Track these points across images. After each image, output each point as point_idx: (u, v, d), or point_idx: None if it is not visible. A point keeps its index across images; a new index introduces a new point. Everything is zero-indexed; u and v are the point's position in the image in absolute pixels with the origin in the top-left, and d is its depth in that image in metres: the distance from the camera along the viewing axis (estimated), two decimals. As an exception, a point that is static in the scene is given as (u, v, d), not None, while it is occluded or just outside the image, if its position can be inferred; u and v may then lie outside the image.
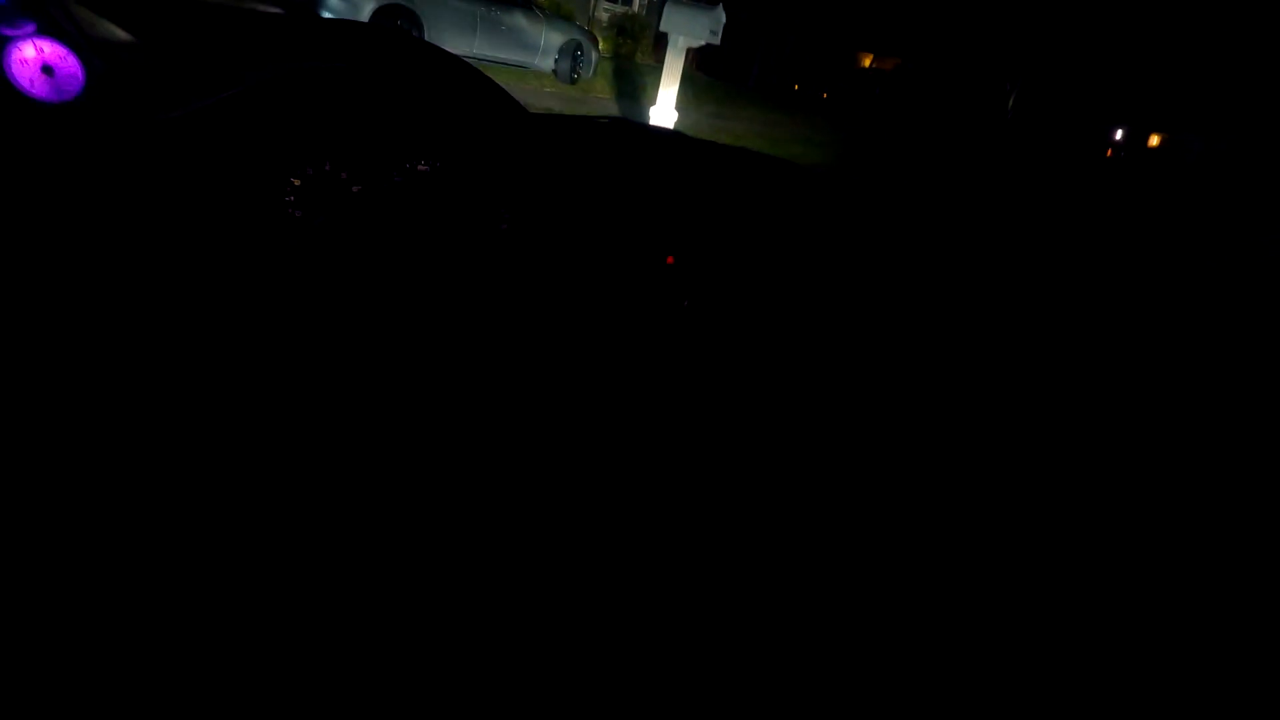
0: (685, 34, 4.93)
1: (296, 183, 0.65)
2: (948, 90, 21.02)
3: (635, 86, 9.24)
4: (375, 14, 6.24)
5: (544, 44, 7.97)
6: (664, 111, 5.15)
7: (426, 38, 6.72)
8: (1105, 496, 0.72)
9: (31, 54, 0.63)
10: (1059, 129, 20.38)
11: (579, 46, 8.32)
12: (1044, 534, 0.67)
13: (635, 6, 17.11)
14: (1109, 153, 20.48)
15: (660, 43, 5.31)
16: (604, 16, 15.34)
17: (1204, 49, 18.61)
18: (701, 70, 15.09)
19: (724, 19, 4.93)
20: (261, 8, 6.18)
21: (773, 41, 17.91)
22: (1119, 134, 21.41)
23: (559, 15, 9.49)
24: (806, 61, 19.99)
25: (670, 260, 0.72)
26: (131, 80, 0.63)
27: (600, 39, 11.09)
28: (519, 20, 7.65)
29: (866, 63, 22.22)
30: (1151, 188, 11.15)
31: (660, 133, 1.14)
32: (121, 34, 0.65)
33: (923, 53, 20.57)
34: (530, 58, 7.94)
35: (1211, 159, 16.88)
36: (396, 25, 6.45)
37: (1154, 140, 21.13)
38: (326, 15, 5.98)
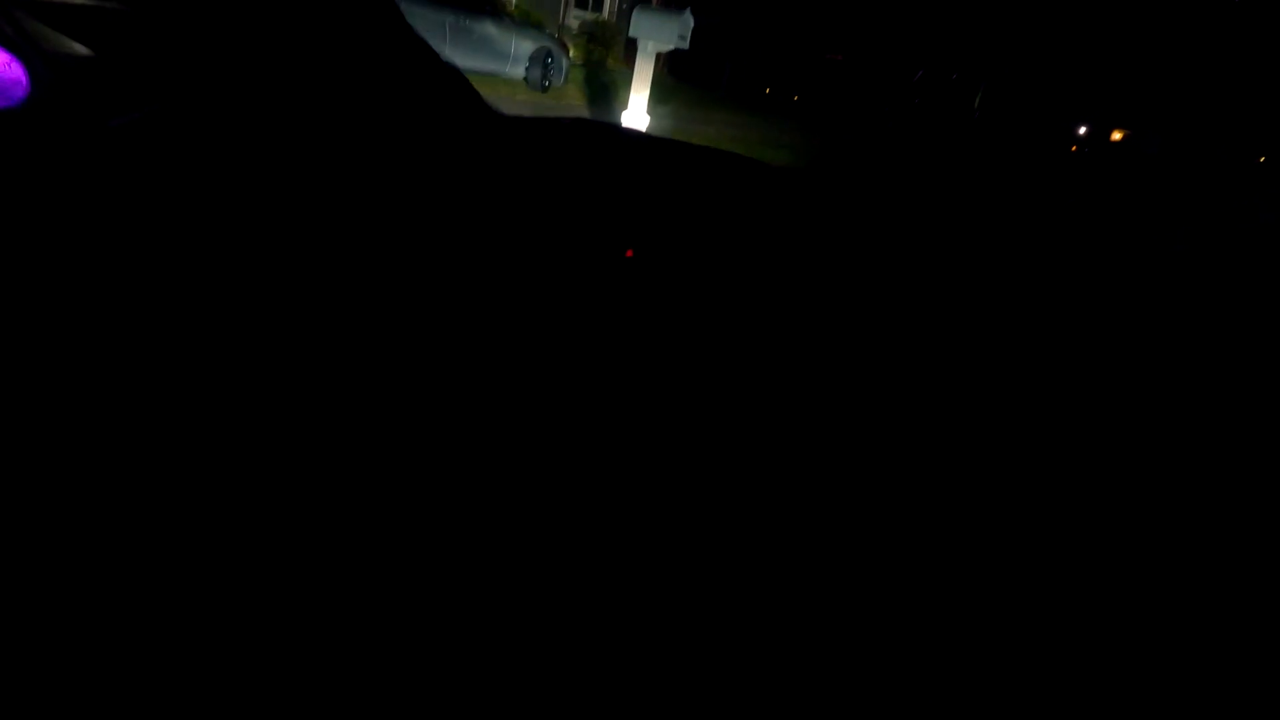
0: (654, 39, 4.96)
1: (264, 186, 0.64)
2: (915, 89, 21.34)
3: (607, 92, 9.26)
4: (343, 24, 6.20)
5: (514, 52, 7.97)
6: (636, 116, 5.17)
7: (395, 47, 6.67)
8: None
9: None
10: (1025, 126, 20.79)
11: (550, 54, 8.33)
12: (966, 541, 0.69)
13: (606, 14, 17.18)
14: (1074, 148, 20.93)
15: (631, 49, 5.33)
16: (574, 24, 15.39)
17: (1164, 50, 19.12)
18: (673, 75, 15.19)
19: (692, 23, 4.97)
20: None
21: (744, 46, 18.07)
22: (1082, 130, 21.91)
23: (529, 23, 9.49)
24: (777, 65, 20.18)
25: (630, 254, 0.73)
26: (84, 88, 0.63)
27: (571, 46, 11.12)
28: (489, 29, 7.65)
29: (837, 63, 22.46)
30: (1110, 183, 11.39)
31: (624, 131, 1.15)
32: (78, 48, 0.64)
33: (891, 54, 20.88)
34: (501, 66, 7.94)
35: (1168, 154, 17.34)
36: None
37: (1116, 135, 21.65)
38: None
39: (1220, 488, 0.79)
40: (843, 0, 18.31)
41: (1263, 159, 19.81)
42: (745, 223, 0.85)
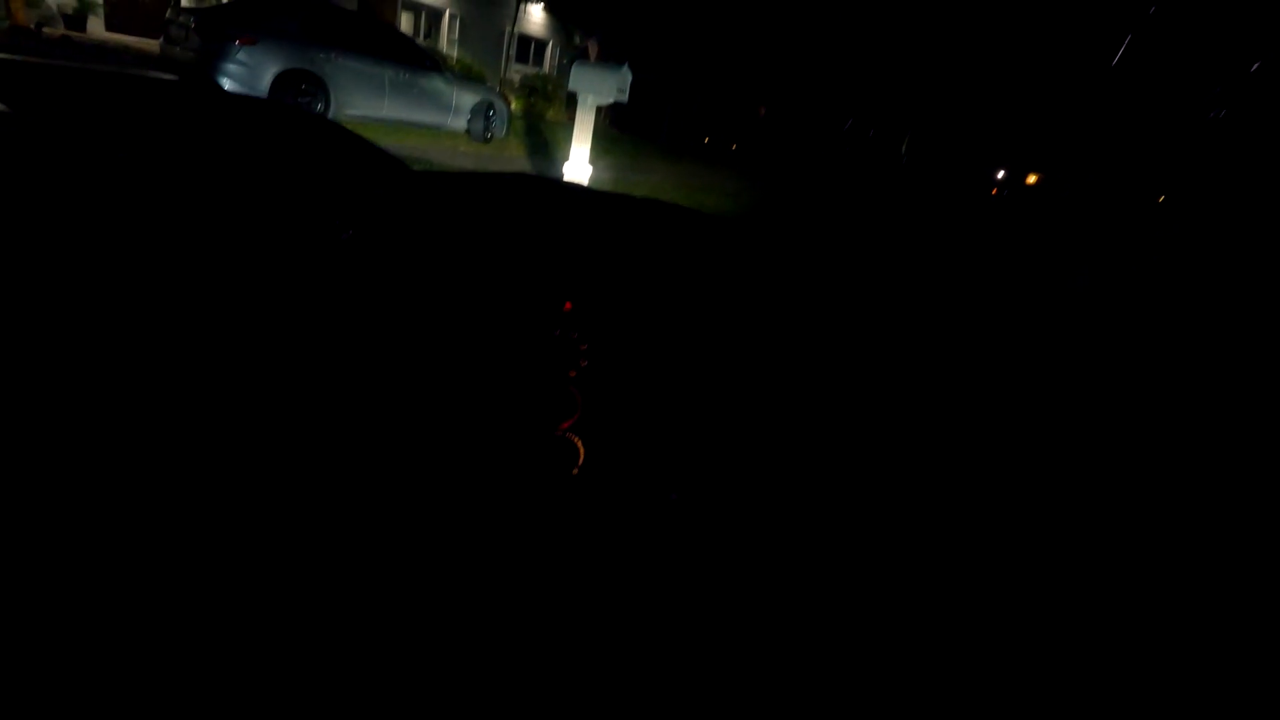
0: (594, 93, 5.08)
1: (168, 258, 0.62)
2: (845, 138, 22.48)
3: (549, 144, 9.41)
4: (277, 79, 6.14)
5: (456, 105, 8.04)
6: (577, 167, 5.25)
7: (333, 102, 6.65)
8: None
9: None
10: (948, 171, 22.09)
11: (491, 106, 8.44)
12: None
13: (546, 68, 17.62)
14: (994, 191, 22.30)
15: (572, 102, 5.45)
16: (516, 77, 15.72)
17: (1073, 103, 20.70)
18: (615, 126, 15.60)
19: (630, 78, 5.12)
20: (154, 75, 5.97)
21: (682, 97, 18.74)
22: (1001, 174, 23.42)
23: (470, 77, 9.62)
24: (715, 115, 20.97)
25: (568, 306, 0.74)
26: None
27: (513, 99, 11.31)
28: (429, 83, 7.71)
29: (763, 113, 23.47)
30: (1022, 225, 12.08)
31: (564, 185, 1.19)
32: None
33: (821, 105, 21.97)
34: (443, 119, 7.99)
35: (1076, 197, 18.64)
36: (301, 88, 6.35)
37: (1031, 179, 23.19)
38: (225, 82, 5.84)
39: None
40: (774, 55, 19.27)
41: (1162, 199, 21.50)
42: (684, 273, 0.87)
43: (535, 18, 17.35)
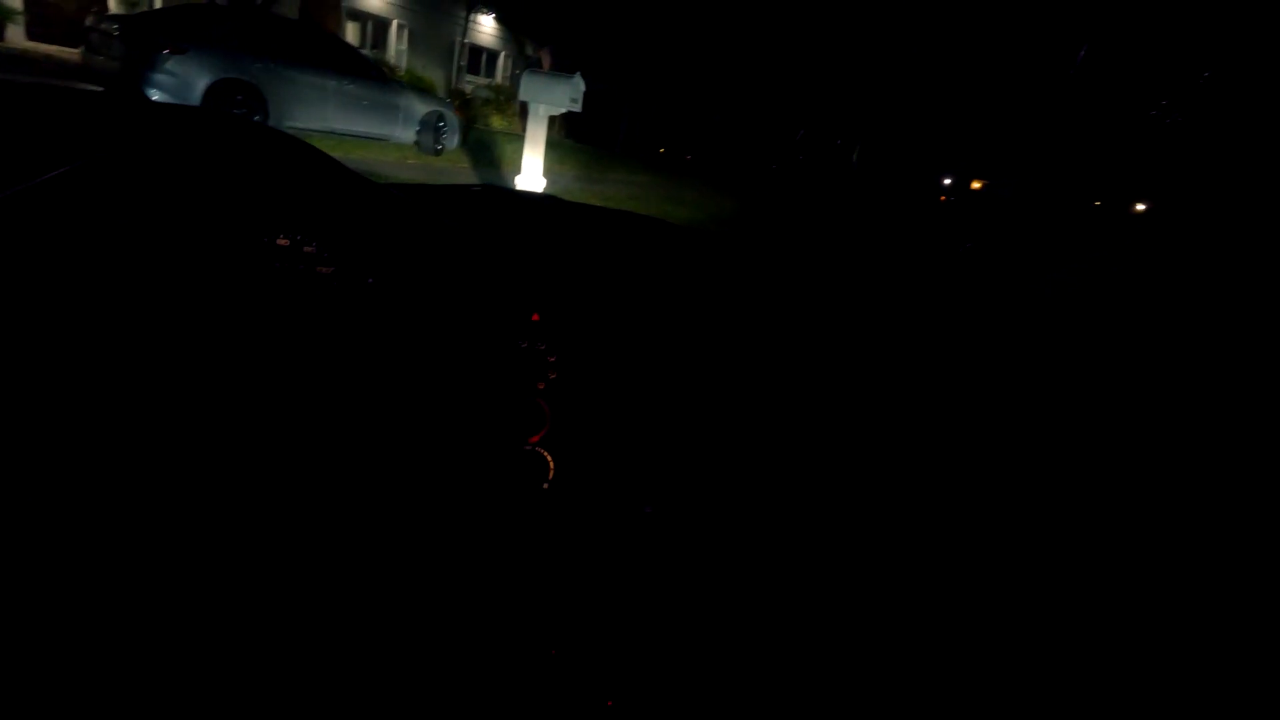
0: (545, 102, 4.96)
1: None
2: (798, 147, 22.92)
3: (501, 155, 9.24)
4: (209, 89, 5.83)
5: (404, 116, 7.81)
6: (530, 178, 5.11)
7: (271, 113, 6.37)
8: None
9: None
10: (898, 178, 22.71)
11: (441, 117, 8.22)
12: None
13: (499, 78, 17.48)
14: (942, 198, 23.00)
15: (525, 112, 5.31)
16: (467, 88, 15.52)
17: (1013, 113, 21.52)
18: (570, 136, 15.51)
19: (583, 87, 5.01)
20: (81, 87, 5.65)
21: (637, 107, 18.80)
22: (948, 181, 24.19)
23: (419, 87, 9.39)
24: (671, 125, 21.11)
25: (535, 317, 0.73)
26: None
27: (464, 110, 11.11)
28: (375, 93, 7.47)
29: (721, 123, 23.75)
30: (973, 229, 12.47)
31: (532, 196, 1.18)
32: None
33: (774, 115, 22.33)
34: (390, 130, 7.74)
35: (1019, 202, 19.35)
36: (235, 100, 6.06)
37: (976, 185, 24.00)
38: (154, 94, 5.52)
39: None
40: (728, 66, 19.51)
41: (1099, 203, 22.47)
42: (653, 283, 0.85)
43: (486, 28, 17.18)
